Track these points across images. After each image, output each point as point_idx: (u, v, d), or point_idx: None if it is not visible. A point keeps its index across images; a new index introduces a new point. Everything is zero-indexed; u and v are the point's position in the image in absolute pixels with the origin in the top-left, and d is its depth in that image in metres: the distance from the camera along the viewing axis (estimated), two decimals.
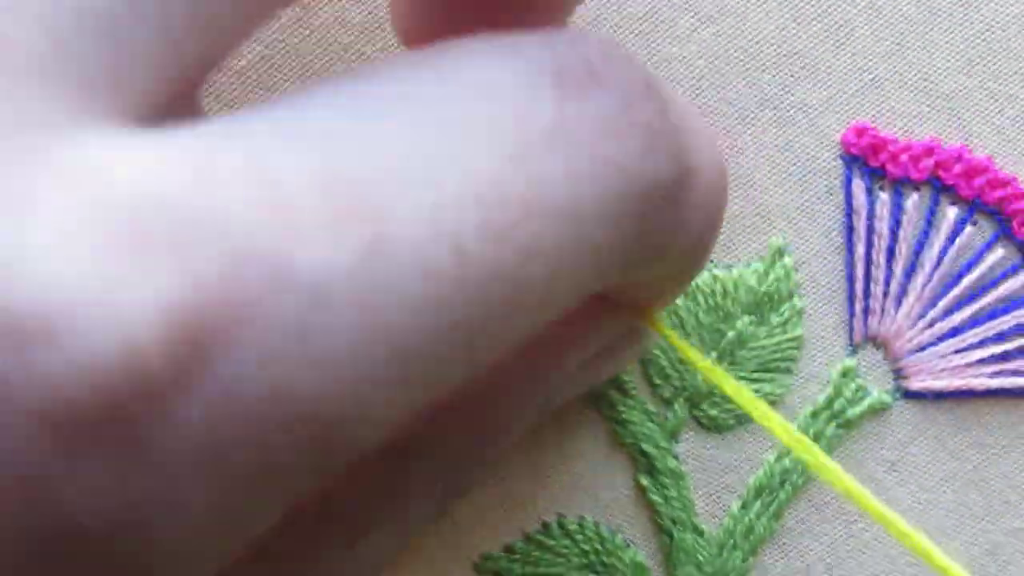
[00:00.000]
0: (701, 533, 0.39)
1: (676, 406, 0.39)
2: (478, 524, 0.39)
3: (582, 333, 0.31)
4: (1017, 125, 0.39)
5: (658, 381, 0.39)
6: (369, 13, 0.39)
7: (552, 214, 0.19)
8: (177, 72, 0.19)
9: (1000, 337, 0.39)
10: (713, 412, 0.39)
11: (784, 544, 0.39)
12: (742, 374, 0.38)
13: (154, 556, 0.17)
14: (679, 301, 0.38)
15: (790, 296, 0.39)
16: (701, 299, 0.38)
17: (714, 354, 0.38)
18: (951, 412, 0.39)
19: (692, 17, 0.39)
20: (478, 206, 0.18)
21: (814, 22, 0.39)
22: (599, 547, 0.39)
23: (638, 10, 0.39)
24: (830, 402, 0.39)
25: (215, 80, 0.38)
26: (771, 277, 0.38)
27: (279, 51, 0.38)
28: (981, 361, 0.39)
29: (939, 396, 0.39)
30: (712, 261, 0.39)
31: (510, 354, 0.20)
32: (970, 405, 0.39)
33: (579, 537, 0.39)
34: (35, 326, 0.15)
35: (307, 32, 0.39)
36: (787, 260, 0.39)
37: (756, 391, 0.38)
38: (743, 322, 0.38)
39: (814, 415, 0.38)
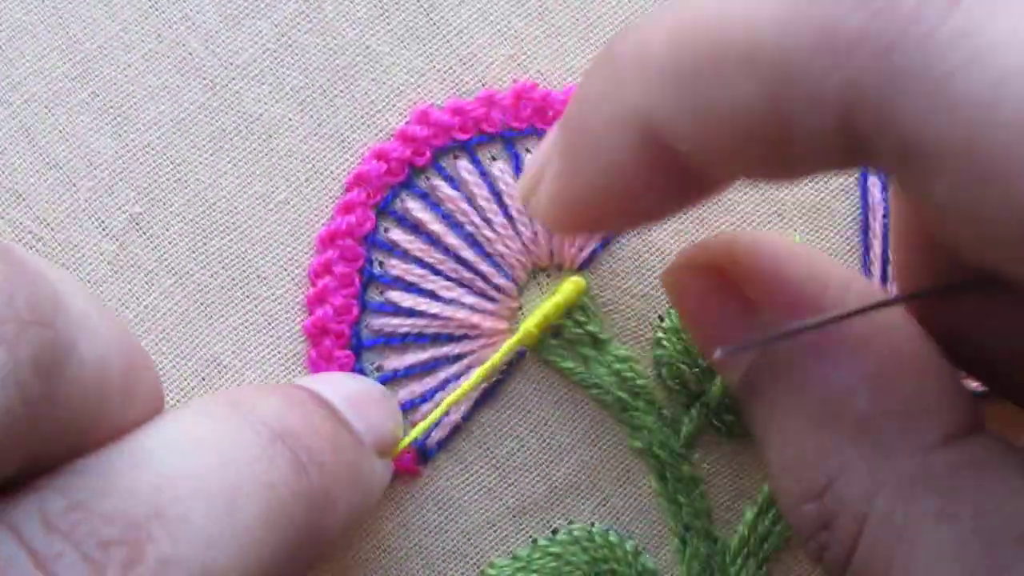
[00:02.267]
0: (715, 540, 0.38)
1: (693, 411, 0.38)
2: (486, 531, 0.38)
3: None
4: None
5: (674, 386, 0.38)
6: (373, 6, 0.38)
7: None
8: None
9: None
10: (729, 418, 0.38)
11: (798, 551, 0.38)
12: None
13: None
14: None
15: None
16: None
17: None
18: None
19: None
20: None
21: None
22: (609, 553, 0.38)
23: (650, 5, 0.38)
24: None
25: (215, 76, 0.37)
26: None
27: (282, 45, 0.38)
28: None
29: None
30: None
31: None
32: (990, 407, 0.38)
33: (588, 544, 0.38)
34: None
35: (310, 26, 0.38)
36: None
37: None
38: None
39: None
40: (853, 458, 0.30)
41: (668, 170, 0.29)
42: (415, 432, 0.36)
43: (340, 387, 0.33)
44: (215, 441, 0.27)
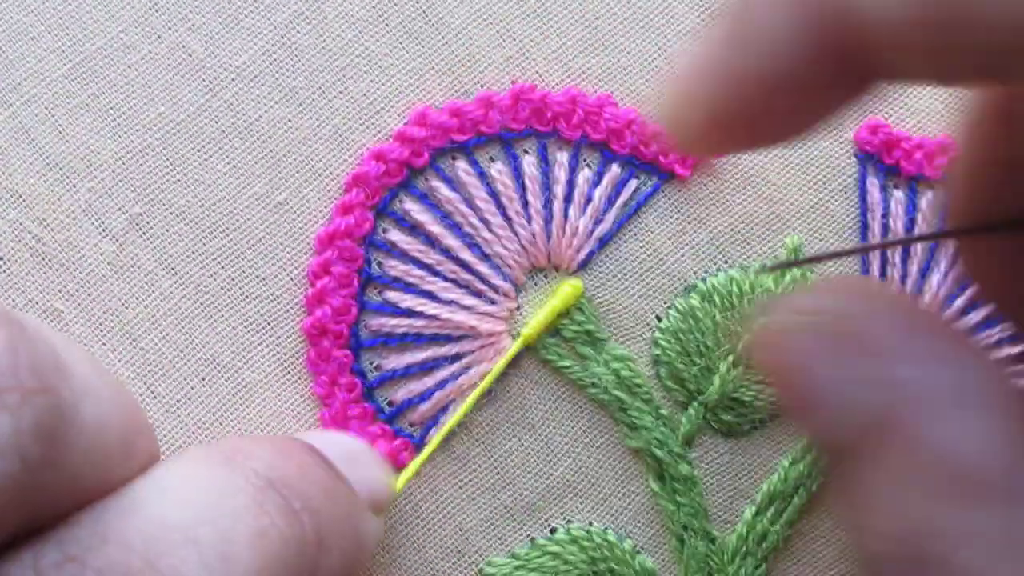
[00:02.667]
0: (713, 540, 0.38)
1: (691, 410, 0.38)
2: (484, 529, 0.38)
3: None
4: None
5: (672, 385, 0.38)
6: (372, 8, 0.38)
7: None
8: None
9: (1016, 338, 0.38)
10: (727, 417, 0.38)
11: (796, 550, 0.38)
12: (758, 378, 0.38)
13: None
14: (695, 302, 0.37)
15: None
16: (717, 300, 0.38)
17: (731, 358, 0.38)
18: None
19: (703, 13, 0.38)
20: None
21: None
22: (607, 553, 0.38)
23: (651, 6, 0.39)
24: None
25: (215, 77, 0.37)
26: (787, 278, 0.38)
27: (280, 46, 0.38)
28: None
29: None
30: (727, 263, 0.38)
31: None
32: None
33: (586, 543, 0.38)
34: None
35: (309, 27, 0.38)
36: None
37: (772, 395, 0.38)
38: (759, 324, 0.37)
39: None
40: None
41: (836, 58, 0.26)
42: (421, 458, 0.37)
43: (332, 442, 0.34)
44: (207, 489, 0.28)
